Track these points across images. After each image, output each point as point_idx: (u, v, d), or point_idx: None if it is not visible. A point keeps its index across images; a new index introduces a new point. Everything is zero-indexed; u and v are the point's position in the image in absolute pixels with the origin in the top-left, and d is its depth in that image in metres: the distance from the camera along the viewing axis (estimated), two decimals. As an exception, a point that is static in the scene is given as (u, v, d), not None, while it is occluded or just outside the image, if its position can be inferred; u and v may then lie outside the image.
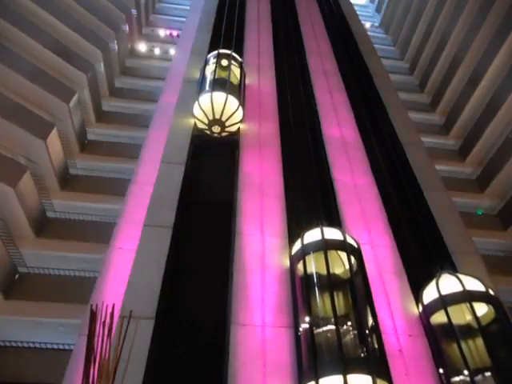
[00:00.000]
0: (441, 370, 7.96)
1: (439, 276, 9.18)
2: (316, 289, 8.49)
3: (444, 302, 8.56)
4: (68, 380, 7.54)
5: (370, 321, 8.09)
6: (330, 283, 8.27)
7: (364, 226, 10.75)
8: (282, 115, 14.37)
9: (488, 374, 7.55)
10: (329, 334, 7.64)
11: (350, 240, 9.32)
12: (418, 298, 9.19)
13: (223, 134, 12.84)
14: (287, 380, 7.47)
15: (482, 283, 8.83)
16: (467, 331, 8.31)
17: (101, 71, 22.82)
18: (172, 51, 26.52)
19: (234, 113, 12.59)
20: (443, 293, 8.71)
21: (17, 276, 14.63)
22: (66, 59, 20.45)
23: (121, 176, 17.48)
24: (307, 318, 7.97)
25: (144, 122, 18.91)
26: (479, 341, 7.96)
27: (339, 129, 14.26)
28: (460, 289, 8.60)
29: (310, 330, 7.76)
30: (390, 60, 30.76)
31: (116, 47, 24.56)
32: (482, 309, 8.45)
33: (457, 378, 7.70)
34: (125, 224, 10.59)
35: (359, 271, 8.89)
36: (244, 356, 7.70)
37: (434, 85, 28.43)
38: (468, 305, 8.37)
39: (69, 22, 21.95)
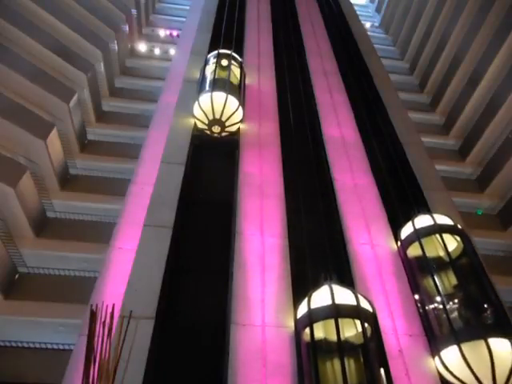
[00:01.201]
0: (416, 297, 9.15)
1: (415, 216, 10.32)
2: (325, 358, 7.51)
3: (418, 234, 9.80)
4: (68, 380, 7.54)
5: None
6: (341, 353, 7.22)
7: (364, 226, 10.75)
8: (282, 115, 14.36)
9: (457, 300, 8.67)
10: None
11: (363, 303, 7.86)
12: (396, 236, 10.45)
13: (223, 134, 12.84)
14: (287, 380, 7.47)
15: (452, 220, 10.04)
16: (439, 262, 9.42)
17: (101, 71, 22.85)
18: (172, 51, 26.53)
19: (233, 113, 12.59)
20: (417, 227, 9.96)
21: (17, 276, 14.65)
22: (66, 59, 20.47)
23: (121, 176, 17.50)
24: None
25: (144, 122, 18.92)
26: (450, 270, 9.07)
27: (339, 129, 14.26)
28: (432, 223, 9.87)
29: None
30: (389, 60, 30.78)
31: (116, 47, 24.58)
32: (452, 243, 9.62)
33: (430, 305, 8.82)
34: (125, 224, 10.59)
35: (374, 338, 7.68)
36: (244, 356, 7.70)
37: (434, 85, 28.45)
38: (438, 236, 9.57)
39: (69, 22, 21.97)
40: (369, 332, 7.57)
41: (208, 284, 9.26)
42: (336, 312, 7.54)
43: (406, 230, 10.22)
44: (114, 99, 23.75)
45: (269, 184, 11.50)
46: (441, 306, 8.53)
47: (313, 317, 7.73)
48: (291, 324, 8.30)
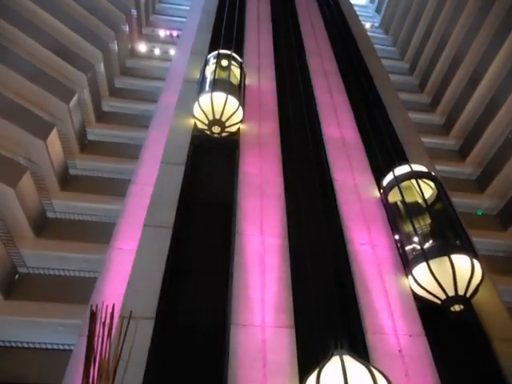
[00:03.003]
0: (396, 237, 10.46)
1: (395, 167, 11.62)
2: None
3: (397, 179, 11.20)
4: (68, 380, 7.54)
5: None
6: None
7: (364, 226, 10.75)
8: (282, 115, 14.36)
9: (427, 230, 9.87)
10: None
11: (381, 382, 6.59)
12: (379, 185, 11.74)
13: (223, 135, 12.83)
14: (287, 380, 7.47)
15: (427, 169, 11.53)
16: (415, 204, 10.76)
17: (101, 71, 22.83)
18: (172, 51, 26.51)
19: (234, 113, 12.58)
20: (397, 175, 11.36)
21: (17, 276, 14.64)
22: (66, 59, 20.46)
23: (121, 176, 17.50)
24: None
25: (144, 122, 18.92)
26: (423, 209, 10.39)
27: (339, 129, 14.26)
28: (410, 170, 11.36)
29: None
30: (390, 60, 30.76)
31: (116, 47, 24.56)
32: (427, 190, 10.98)
33: (406, 238, 10.15)
34: (125, 224, 10.59)
35: None
36: (244, 356, 7.70)
37: (434, 85, 28.43)
38: (414, 181, 10.92)
39: (69, 22, 21.96)
40: None
41: (208, 284, 9.26)
42: None
43: (387, 179, 11.64)
44: (114, 99, 23.73)
45: (269, 184, 11.50)
46: (414, 236, 9.83)
47: None
48: (291, 324, 8.30)
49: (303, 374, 7.45)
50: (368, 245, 10.27)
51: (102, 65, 22.78)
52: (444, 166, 21.18)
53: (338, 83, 17.02)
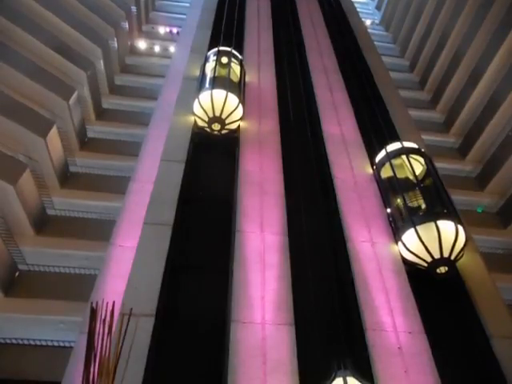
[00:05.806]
0: (388, 210, 11.03)
1: (387, 144, 12.16)
2: None
3: (388, 155, 11.78)
4: (68, 377, 7.55)
5: None
6: None
7: (364, 224, 10.76)
8: (282, 113, 14.35)
9: (416, 200, 10.46)
10: None
11: None
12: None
13: (223, 132, 12.83)
14: (287, 377, 7.49)
15: (418, 146, 12.17)
16: (405, 177, 11.32)
17: (100, 69, 22.77)
18: (172, 49, 26.45)
19: (234, 110, 12.57)
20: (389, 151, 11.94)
21: (17, 273, 14.63)
22: (66, 57, 20.40)
23: (121, 174, 17.48)
24: None
25: (144, 119, 18.87)
26: (413, 182, 10.91)
27: (339, 126, 14.25)
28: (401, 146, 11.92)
29: None
30: (390, 57, 30.66)
31: (116, 45, 24.51)
32: (418, 166, 11.46)
33: (396, 209, 10.74)
34: (125, 222, 10.58)
35: None
36: (244, 354, 7.71)
37: (435, 82, 28.36)
38: (405, 157, 11.44)
39: (69, 20, 21.89)
40: None
41: (208, 282, 9.27)
42: None
43: (380, 156, 12.17)
44: (113, 97, 23.68)
45: (269, 181, 11.50)
46: (404, 207, 10.42)
47: None
48: (291, 321, 8.31)
49: (303, 372, 7.48)
50: (368, 242, 10.28)
51: (101, 62, 22.72)
52: (444, 163, 21.12)
53: (338, 80, 16.99)
